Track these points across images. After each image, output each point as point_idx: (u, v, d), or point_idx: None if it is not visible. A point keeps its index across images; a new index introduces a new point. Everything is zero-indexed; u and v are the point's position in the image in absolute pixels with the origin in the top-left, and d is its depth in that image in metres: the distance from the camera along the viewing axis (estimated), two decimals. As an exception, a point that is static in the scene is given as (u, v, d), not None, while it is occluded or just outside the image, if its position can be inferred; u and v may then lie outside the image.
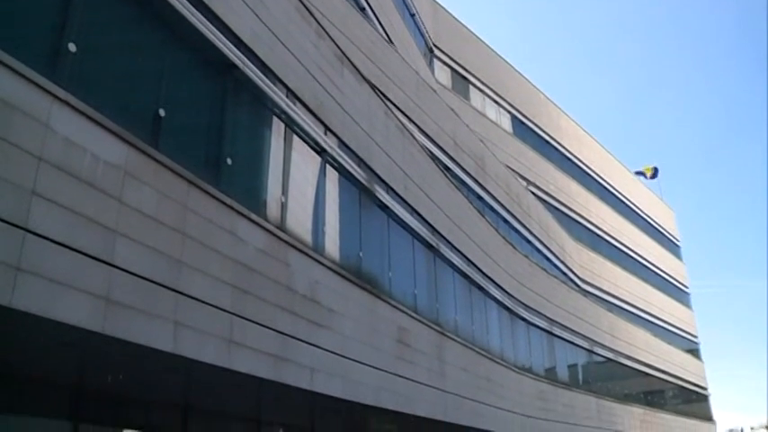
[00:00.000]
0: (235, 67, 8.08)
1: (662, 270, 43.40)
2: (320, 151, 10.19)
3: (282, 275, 8.27)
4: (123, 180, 5.80)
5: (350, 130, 11.14)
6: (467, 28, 29.66)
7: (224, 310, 6.93)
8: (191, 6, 7.25)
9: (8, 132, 4.74)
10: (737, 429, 61.44)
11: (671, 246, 47.37)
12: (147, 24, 7.01)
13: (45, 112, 5.10)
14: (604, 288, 33.84)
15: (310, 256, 9.05)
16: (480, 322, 16.91)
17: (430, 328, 13.07)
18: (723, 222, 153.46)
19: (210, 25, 7.59)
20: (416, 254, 13.67)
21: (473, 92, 28.71)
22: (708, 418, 43.19)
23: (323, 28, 10.83)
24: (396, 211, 12.62)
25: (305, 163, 9.88)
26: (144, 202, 6.03)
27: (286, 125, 9.35)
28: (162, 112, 6.74)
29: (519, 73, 33.33)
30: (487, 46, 30.97)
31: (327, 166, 10.44)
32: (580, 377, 25.70)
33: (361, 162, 11.38)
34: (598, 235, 36.12)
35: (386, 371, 10.68)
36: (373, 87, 12.93)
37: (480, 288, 17.13)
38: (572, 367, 24.96)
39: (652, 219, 44.98)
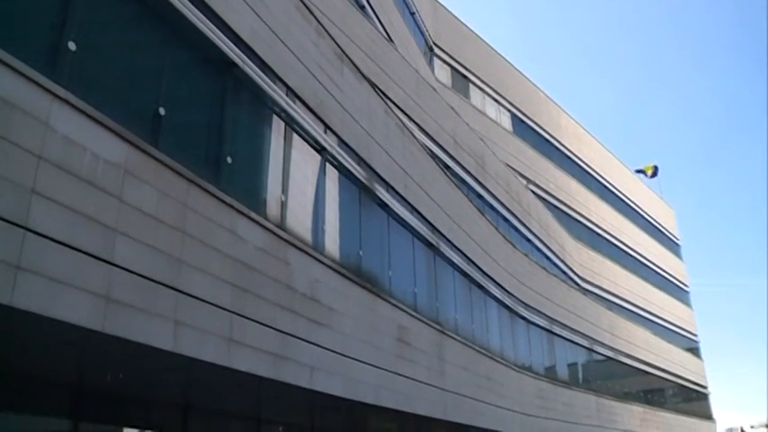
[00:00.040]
0: (234, 65, 8.08)
1: (662, 268, 43.40)
2: (320, 150, 10.19)
3: (282, 274, 8.27)
4: (123, 179, 5.80)
5: (350, 129, 11.14)
6: (467, 26, 29.66)
7: (224, 309, 6.93)
8: (190, 5, 7.25)
9: (8, 131, 4.74)
10: (737, 428, 61.50)
11: (671, 244, 47.38)
12: (146, 23, 7.00)
13: (45, 110, 5.09)
14: (604, 286, 33.84)
15: (310, 255, 9.05)
16: (480, 321, 16.92)
17: (430, 327, 13.07)
18: (723, 221, 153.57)
19: (210, 23, 7.58)
20: (416, 252, 13.67)
21: (473, 90, 28.71)
22: (707, 416, 43.22)
23: (323, 26, 10.82)
24: (396, 209, 12.61)
25: (305, 161, 9.87)
26: (144, 201, 6.03)
27: (286, 124, 9.35)
28: (162, 111, 6.74)
29: (519, 71, 33.31)
30: (487, 44, 30.96)
31: (327, 164, 10.44)
32: (580, 376, 25.71)
33: (360, 161, 11.38)
34: (598, 233, 36.12)
35: (386, 369, 10.68)
36: (373, 86, 12.92)
37: (480, 287, 17.14)
38: (572, 366, 24.97)
39: (652, 217, 44.98)
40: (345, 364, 9.43)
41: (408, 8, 22.90)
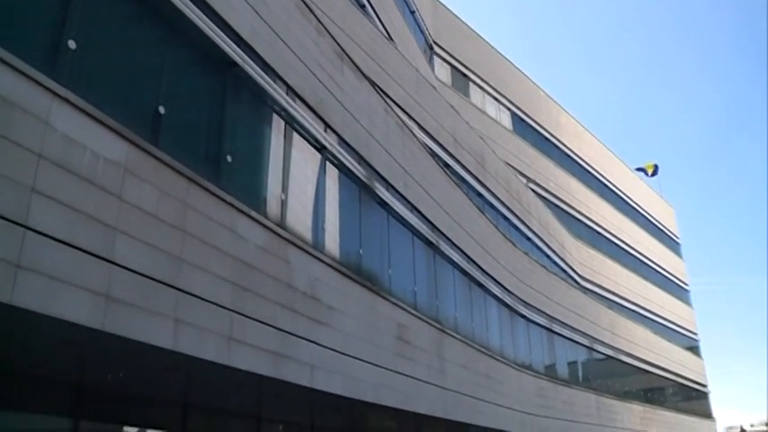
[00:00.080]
0: (234, 64, 8.07)
1: (662, 267, 43.41)
2: (320, 148, 10.19)
3: (282, 273, 8.27)
4: (123, 177, 5.80)
5: (350, 128, 11.13)
6: (467, 25, 29.65)
7: (224, 308, 6.93)
8: (190, 3, 7.24)
9: (8, 130, 4.74)
10: (737, 427, 61.57)
11: (671, 243, 47.39)
12: (146, 21, 7.00)
13: (45, 109, 5.09)
14: (604, 285, 33.86)
15: (310, 254, 9.06)
16: (480, 319, 16.92)
17: (430, 326, 13.08)
18: (723, 219, 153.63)
19: (210, 22, 7.58)
20: (416, 251, 13.67)
21: (473, 89, 28.71)
22: (707, 415, 43.24)
23: (323, 25, 10.82)
24: (396, 208, 12.61)
25: (305, 160, 9.87)
26: (144, 200, 6.03)
27: (286, 122, 9.34)
28: (162, 110, 6.73)
29: (519, 70, 33.31)
30: (487, 43, 30.95)
31: (327, 163, 10.44)
32: (580, 374, 25.72)
33: (360, 159, 11.38)
34: (598, 232, 36.13)
35: (386, 368, 10.69)
36: (373, 84, 12.92)
37: (480, 285, 17.14)
38: (572, 364, 24.97)
39: (652, 216, 44.98)
40: (345, 363, 9.44)
41: (408, 7, 22.89)
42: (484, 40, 30.71)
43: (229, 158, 7.80)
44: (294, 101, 9.43)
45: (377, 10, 17.40)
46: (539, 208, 26.79)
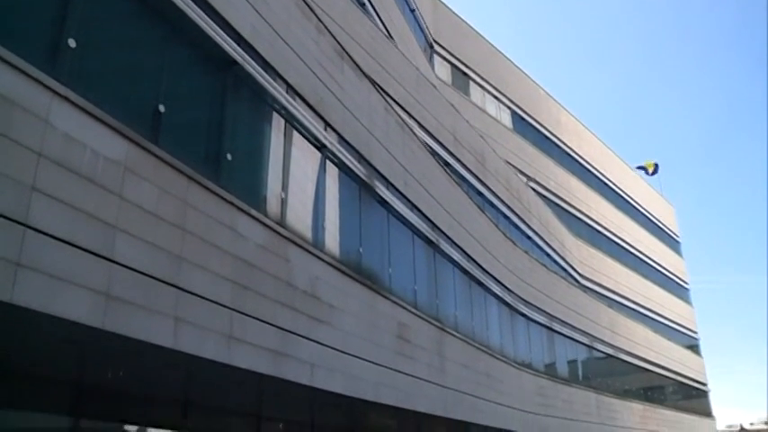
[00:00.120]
0: (235, 62, 8.07)
1: (662, 266, 43.42)
2: (320, 147, 10.19)
3: (282, 271, 8.27)
4: (123, 176, 5.80)
5: (350, 126, 11.13)
6: (467, 23, 29.64)
7: (224, 306, 6.93)
8: (191, 2, 7.24)
9: (8, 128, 4.74)
10: (736, 425, 61.60)
11: (671, 241, 47.39)
12: (146, 20, 7.00)
13: (45, 107, 5.09)
14: (604, 284, 33.86)
15: (310, 252, 9.06)
16: (480, 318, 16.92)
17: (430, 324, 13.08)
18: (723, 218, 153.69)
19: (210, 21, 7.58)
20: (416, 250, 13.67)
21: (473, 87, 28.69)
22: (707, 413, 43.24)
23: (323, 24, 10.81)
24: (396, 206, 12.61)
25: (305, 159, 9.87)
26: (144, 198, 6.03)
27: (286, 121, 9.34)
28: (162, 108, 6.73)
29: (519, 69, 33.30)
30: (487, 42, 30.93)
31: (327, 161, 10.44)
32: (580, 373, 25.72)
33: (361, 158, 11.38)
34: (598, 231, 36.13)
35: (386, 366, 10.69)
36: (373, 83, 12.92)
37: (480, 284, 17.14)
38: (572, 363, 24.97)
39: (652, 214, 44.99)
40: (345, 362, 9.44)
41: (408, 5, 22.88)
42: (484, 38, 30.69)
43: (229, 157, 7.80)
44: (294, 99, 9.43)
45: (377, 8, 17.39)
46: (539, 206, 26.79)
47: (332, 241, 10.19)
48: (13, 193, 4.71)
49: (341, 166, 10.81)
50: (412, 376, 11.64)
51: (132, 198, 5.87)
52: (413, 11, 23.46)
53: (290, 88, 9.33)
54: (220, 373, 7.04)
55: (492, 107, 29.81)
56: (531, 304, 21.25)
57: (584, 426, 23.56)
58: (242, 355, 7.11)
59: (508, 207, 22.53)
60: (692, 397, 40.83)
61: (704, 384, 43.53)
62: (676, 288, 44.97)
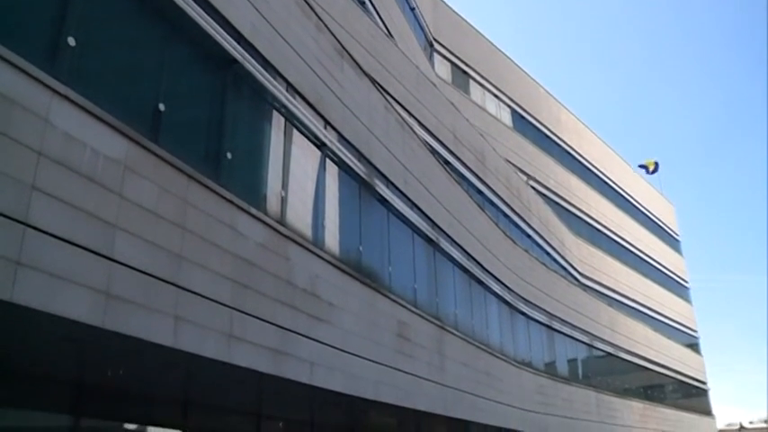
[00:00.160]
0: (235, 61, 8.07)
1: (662, 265, 43.43)
2: (320, 145, 10.18)
3: (282, 270, 8.27)
4: (123, 175, 5.80)
5: (350, 125, 11.13)
6: (467, 22, 29.61)
7: (224, 305, 6.93)
8: (190, 0, 7.23)
9: (8, 127, 4.74)
10: (736, 424, 61.63)
11: (671, 240, 47.39)
12: (146, 18, 6.99)
13: (44, 106, 5.09)
14: (604, 282, 33.87)
15: (310, 251, 9.06)
16: (480, 316, 16.93)
17: (430, 323, 13.09)
18: (723, 217, 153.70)
19: (210, 19, 7.57)
20: (416, 248, 13.67)
21: (473, 86, 28.68)
22: (707, 412, 43.27)
23: (323, 22, 10.80)
24: (396, 205, 12.61)
25: (305, 157, 9.87)
26: (144, 197, 6.03)
27: (286, 119, 9.34)
28: (162, 107, 6.73)
29: (519, 67, 33.29)
30: (487, 40, 30.91)
31: (327, 160, 10.44)
32: (580, 371, 25.74)
33: (360, 156, 11.37)
34: (598, 229, 36.13)
35: (386, 365, 10.70)
36: (373, 81, 12.91)
37: (480, 282, 17.15)
38: (571, 362, 24.99)
39: (652, 213, 44.99)
40: (345, 360, 9.44)
41: (408, 3, 22.87)
42: (484, 37, 30.68)
43: (229, 155, 7.80)
44: (294, 98, 9.42)
45: (377, 7, 17.38)
46: (539, 205, 26.79)
47: (332, 240, 10.20)
48: (12, 192, 4.71)
49: (341, 164, 10.81)
50: (412, 375, 11.64)
51: (132, 197, 5.87)
52: (413, 9, 23.44)
53: (289, 87, 9.33)
54: (220, 371, 7.04)
55: (492, 106, 29.80)
56: (531, 303, 21.26)
57: (583, 424, 23.58)
58: (242, 354, 7.11)
59: (508, 206, 22.53)
60: (691, 395, 40.87)
61: (704, 383, 43.56)
62: (676, 287, 44.99)
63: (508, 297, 19.25)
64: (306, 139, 9.83)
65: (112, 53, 6.48)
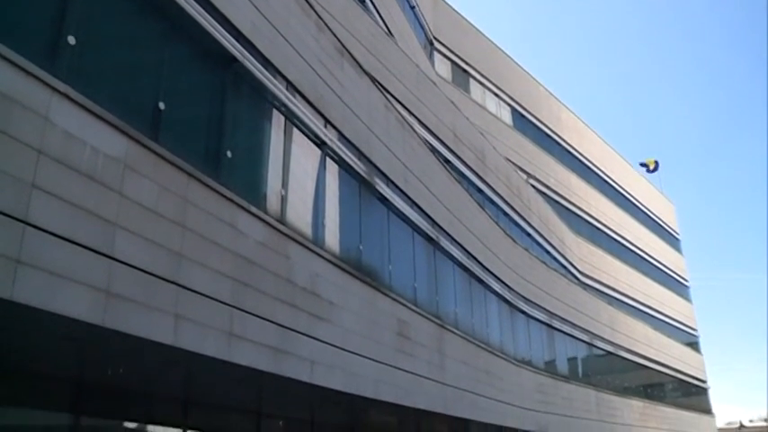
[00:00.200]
0: (234, 59, 8.06)
1: (662, 263, 43.43)
2: (320, 144, 10.18)
3: (282, 268, 8.27)
4: (123, 173, 5.80)
5: (350, 123, 11.13)
6: (467, 20, 29.59)
7: (224, 303, 6.93)
8: (190, -1, 7.23)
9: (7, 125, 4.74)
10: (736, 422, 61.65)
11: (671, 239, 47.40)
12: (146, 17, 6.99)
13: (44, 105, 5.09)
14: (604, 281, 33.88)
15: (310, 249, 9.06)
16: (480, 315, 16.93)
17: (430, 321, 13.09)
18: (723, 216, 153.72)
19: (210, 18, 7.57)
20: (416, 247, 13.67)
21: (473, 85, 28.66)
22: (707, 411, 43.30)
23: (323, 20, 10.80)
24: (396, 203, 12.61)
25: (305, 156, 9.87)
26: (144, 195, 6.03)
27: (286, 118, 9.34)
28: (162, 105, 6.73)
29: (519, 66, 33.27)
30: (488, 39, 30.89)
31: (327, 158, 10.43)
32: (579, 370, 25.75)
33: (361, 155, 11.37)
34: (598, 228, 36.14)
35: (386, 363, 10.70)
36: (373, 80, 12.91)
37: (480, 281, 17.15)
38: (571, 360, 25.00)
39: (652, 212, 45.00)
40: (345, 359, 9.45)
41: (408, 2, 22.85)
42: (484, 35, 30.66)
43: (229, 154, 7.80)
44: (294, 96, 9.42)
45: (377, 5, 17.36)
46: (539, 204, 26.78)
47: (332, 238, 10.19)
48: (12, 191, 4.71)
49: (341, 163, 10.81)
50: (412, 373, 11.64)
51: (132, 195, 5.87)
52: (413, 8, 23.42)
53: (289, 85, 9.33)
54: (220, 370, 7.05)
55: (492, 104, 29.79)
56: (531, 301, 21.26)
57: (583, 423, 23.59)
58: (242, 353, 7.11)
59: (508, 204, 22.53)
60: (691, 394, 40.89)
61: (704, 381, 43.58)
62: (676, 285, 45.00)
63: (508, 296, 19.25)
64: (306, 138, 9.83)
65: (112, 52, 6.48)
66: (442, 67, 26.63)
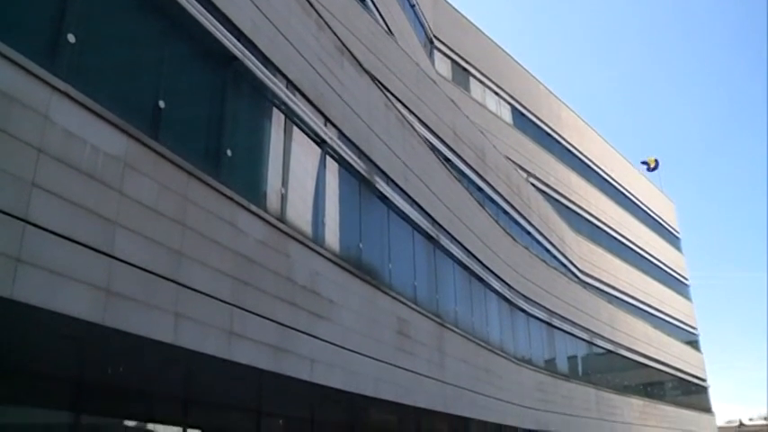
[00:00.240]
0: (235, 58, 8.06)
1: (662, 262, 43.43)
2: (320, 142, 10.18)
3: (282, 267, 8.27)
4: (123, 171, 5.80)
5: (350, 122, 11.12)
6: (467, 19, 29.56)
7: (224, 302, 6.93)
8: (190, -3, 7.23)
9: (7, 124, 4.74)
10: (736, 421, 61.67)
11: (671, 237, 47.40)
12: (146, 15, 6.98)
13: (44, 103, 5.08)
14: (604, 280, 33.88)
15: (310, 248, 9.06)
16: (480, 314, 16.94)
17: (430, 320, 13.09)
18: (723, 214, 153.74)
19: (210, 17, 7.56)
20: (416, 245, 13.68)
21: (473, 83, 28.64)
22: (707, 409, 43.32)
23: (323, 19, 10.79)
24: (396, 202, 12.61)
25: (305, 154, 9.86)
26: (144, 194, 6.03)
27: (286, 116, 9.33)
28: (162, 104, 6.72)
29: (519, 64, 33.26)
30: (488, 37, 30.88)
31: (327, 157, 10.43)
32: (579, 369, 25.76)
33: (361, 153, 11.37)
34: (598, 227, 36.13)
35: (386, 362, 10.70)
36: (373, 79, 12.90)
37: (480, 279, 17.15)
38: (571, 359, 25.01)
39: (652, 210, 44.99)
40: (345, 357, 9.45)
41: (408, 0, 22.82)
42: (484, 34, 30.64)
43: (229, 153, 7.80)
44: (294, 95, 9.42)
45: (377, 4, 17.35)
46: (539, 202, 26.78)
47: (332, 237, 10.19)
48: (12, 189, 4.71)
49: (341, 161, 10.80)
50: (412, 372, 11.65)
51: (132, 194, 5.87)
52: (413, 6, 23.41)
53: (289, 84, 9.32)
54: (220, 368, 7.05)
55: (492, 103, 29.77)
56: (531, 300, 21.27)
57: (583, 421, 23.61)
58: (242, 351, 7.12)
59: (508, 203, 22.53)
60: (691, 393, 40.92)
61: (704, 380, 43.61)
62: (676, 284, 45.00)
63: (508, 294, 19.25)
64: (306, 137, 9.83)
65: (112, 50, 6.47)
66: (442, 66, 26.61)
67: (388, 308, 11.29)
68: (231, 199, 7.35)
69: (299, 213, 9.40)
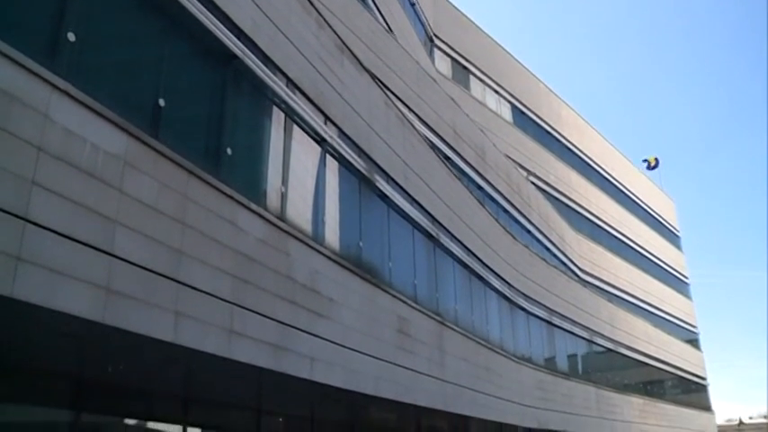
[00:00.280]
0: (235, 57, 8.06)
1: (662, 260, 43.42)
2: (320, 141, 10.18)
3: (282, 265, 8.27)
4: (123, 170, 5.80)
5: (350, 120, 11.12)
6: (467, 17, 29.55)
7: (224, 300, 6.94)
8: (190, -5, 7.22)
9: (7, 122, 4.74)
10: (735, 419, 61.67)
11: (671, 236, 47.39)
12: (146, 14, 6.98)
13: (44, 102, 5.09)
14: (604, 278, 33.87)
15: (310, 246, 9.06)
16: (480, 312, 16.95)
17: (430, 318, 13.10)
18: (723, 213, 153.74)
19: (211, 15, 7.56)
20: (416, 244, 13.68)
21: (473, 81, 28.63)
22: (706, 408, 43.34)
23: (323, 18, 10.79)
24: (396, 200, 12.61)
25: (305, 153, 9.86)
26: (144, 192, 6.03)
27: (286, 115, 9.33)
28: (162, 102, 6.72)
29: (519, 63, 33.24)
30: (488, 35, 30.86)
31: (327, 155, 10.43)
32: (579, 367, 25.77)
33: (360, 152, 11.37)
34: (598, 225, 36.12)
35: (386, 360, 10.71)
36: (373, 77, 12.90)
37: (480, 278, 17.15)
38: (571, 357, 25.02)
39: (652, 209, 44.97)
40: (345, 355, 9.46)
41: (409, -1, 22.81)
42: (484, 32, 30.62)
43: (229, 151, 7.80)
44: (294, 93, 9.41)
45: (377, 2, 17.33)
46: (539, 201, 26.78)
47: (332, 235, 10.20)
48: (12, 188, 4.71)
49: (341, 160, 10.80)
50: (412, 370, 11.66)
51: (132, 192, 5.87)
52: (413, 4, 23.39)
53: (289, 82, 9.32)
54: (220, 367, 7.05)
55: (492, 101, 29.76)
56: (531, 298, 21.27)
57: (583, 420, 23.61)
58: (242, 349, 7.12)
59: (508, 201, 22.52)
60: (691, 391, 40.94)
61: (704, 379, 43.62)
62: (676, 282, 44.99)
63: (508, 292, 19.26)
64: (306, 135, 9.83)
65: (112, 49, 6.48)
66: (442, 64, 26.60)
67: (388, 306, 11.29)
68: (231, 197, 7.35)
69: (299, 212, 9.41)
